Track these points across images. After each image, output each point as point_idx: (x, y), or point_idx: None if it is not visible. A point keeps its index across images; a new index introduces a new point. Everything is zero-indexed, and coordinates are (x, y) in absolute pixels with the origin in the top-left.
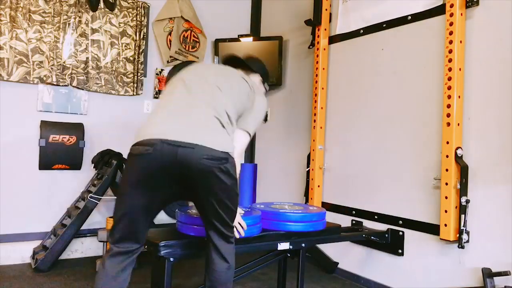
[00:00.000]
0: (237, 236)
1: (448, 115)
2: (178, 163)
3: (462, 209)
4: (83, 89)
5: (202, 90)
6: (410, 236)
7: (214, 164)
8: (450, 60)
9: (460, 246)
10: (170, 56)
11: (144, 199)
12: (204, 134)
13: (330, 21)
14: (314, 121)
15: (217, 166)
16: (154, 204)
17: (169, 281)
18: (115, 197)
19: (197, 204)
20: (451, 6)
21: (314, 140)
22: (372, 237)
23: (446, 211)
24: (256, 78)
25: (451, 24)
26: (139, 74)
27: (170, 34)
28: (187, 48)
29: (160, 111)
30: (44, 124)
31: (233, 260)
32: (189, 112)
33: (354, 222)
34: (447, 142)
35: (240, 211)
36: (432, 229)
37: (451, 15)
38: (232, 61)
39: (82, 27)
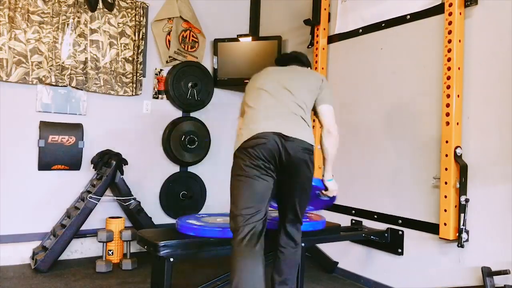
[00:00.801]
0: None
1: (447, 114)
2: (284, 151)
3: (461, 208)
4: (82, 90)
5: (283, 94)
6: (410, 236)
7: (307, 154)
8: (449, 59)
9: (459, 245)
10: (169, 56)
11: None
12: (298, 130)
13: (329, 20)
14: (313, 120)
15: (308, 157)
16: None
17: (169, 281)
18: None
19: (286, 189)
20: (450, 5)
21: None
22: (371, 237)
23: (445, 210)
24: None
25: (450, 23)
26: (138, 74)
27: (169, 34)
28: (186, 48)
29: (255, 115)
30: (43, 125)
31: (300, 240)
32: (280, 113)
33: (353, 221)
34: (446, 141)
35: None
36: (431, 228)
37: (450, 14)
38: (292, 59)
39: (81, 28)
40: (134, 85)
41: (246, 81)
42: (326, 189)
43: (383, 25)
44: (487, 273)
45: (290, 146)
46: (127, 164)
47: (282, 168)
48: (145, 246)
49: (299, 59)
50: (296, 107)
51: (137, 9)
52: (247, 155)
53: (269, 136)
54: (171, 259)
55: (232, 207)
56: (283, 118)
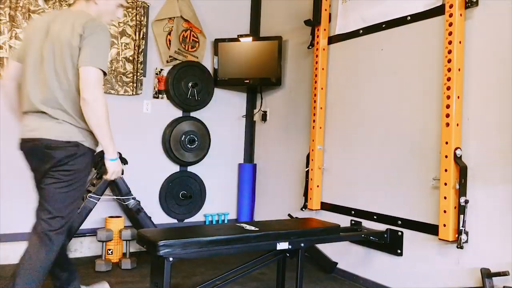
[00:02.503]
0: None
1: (447, 116)
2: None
3: (461, 210)
4: None
5: (41, 68)
6: (409, 236)
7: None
8: (449, 61)
9: (459, 246)
10: (170, 56)
11: None
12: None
13: (329, 21)
14: (314, 121)
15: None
16: None
17: (168, 280)
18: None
19: None
20: (451, 6)
21: (313, 140)
22: (371, 237)
23: (445, 211)
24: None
25: (450, 24)
26: (138, 73)
27: (169, 34)
28: (186, 48)
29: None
30: None
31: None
32: (32, 105)
33: (353, 222)
34: (446, 143)
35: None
36: (431, 229)
37: (451, 15)
38: None
39: None
40: (135, 85)
41: (247, 81)
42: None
43: (383, 26)
44: (486, 274)
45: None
46: (127, 163)
47: None
48: (145, 246)
49: None
50: (51, 86)
51: (137, 8)
52: None
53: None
54: (171, 259)
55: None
56: (33, 112)
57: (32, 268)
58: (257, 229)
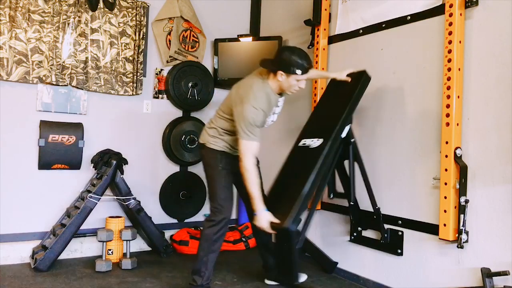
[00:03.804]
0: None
1: (448, 115)
2: None
3: (461, 209)
4: (82, 89)
5: None
6: (410, 236)
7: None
8: (449, 60)
9: (459, 246)
10: (170, 56)
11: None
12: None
13: (329, 21)
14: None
15: (199, 152)
16: None
17: (296, 242)
18: None
19: None
20: (451, 6)
21: None
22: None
23: (445, 211)
24: (271, 76)
25: (450, 24)
26: (138, 74)
27: (169, 34)
28: (186, 48)
29: None
30: (44, 124)
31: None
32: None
33: (353, 222)
34: (446, 142)
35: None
36: (431, 229)
37: (451, 15)
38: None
39: (81, 27)
40: (135, 85)
41: None
42: None
43: (383, 25)
44: (487, 274)
45: None
46: (127, 163)
47: None
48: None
49: (262, 63)
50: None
51: (137, 8)
52: None
53: None
54: (294, 227)
55: None
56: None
57: None
58: (321, 140)
